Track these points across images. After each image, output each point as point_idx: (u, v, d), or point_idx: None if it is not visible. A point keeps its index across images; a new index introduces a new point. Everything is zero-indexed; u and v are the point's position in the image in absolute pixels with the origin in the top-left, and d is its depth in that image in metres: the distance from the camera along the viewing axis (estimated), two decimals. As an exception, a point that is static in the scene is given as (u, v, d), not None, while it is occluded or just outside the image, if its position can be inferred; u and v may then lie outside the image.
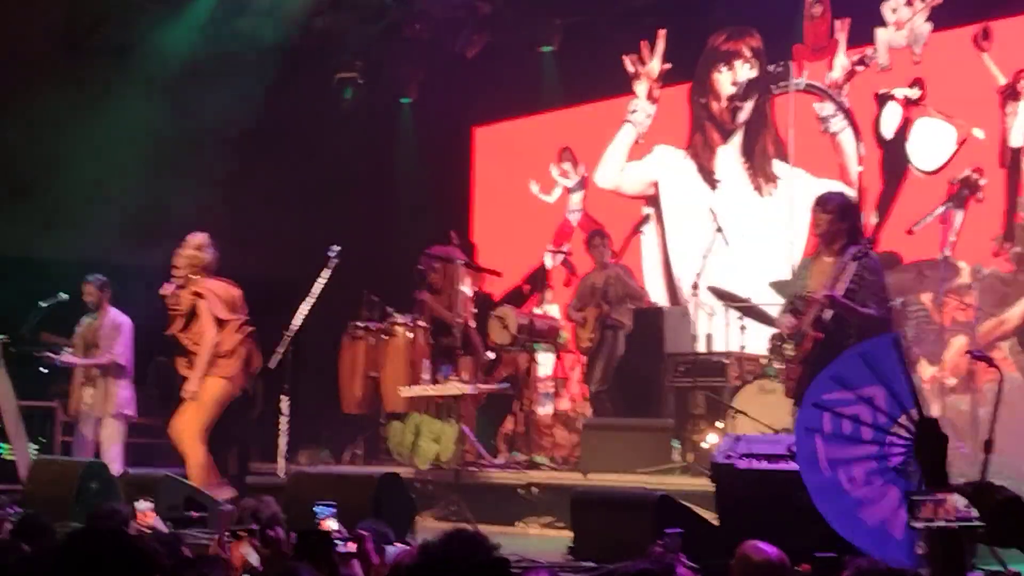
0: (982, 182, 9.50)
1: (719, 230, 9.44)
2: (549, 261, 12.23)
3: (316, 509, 5.02)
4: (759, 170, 10.92)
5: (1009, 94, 9.41)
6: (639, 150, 11.79)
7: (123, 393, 9.07)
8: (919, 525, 3.42)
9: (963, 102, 9.68)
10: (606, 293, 9.52)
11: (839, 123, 10.38)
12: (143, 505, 5.95)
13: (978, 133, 9.53)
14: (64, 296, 9.24)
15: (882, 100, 10.15)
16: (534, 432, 10.09)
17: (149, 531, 5.77)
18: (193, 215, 10.84)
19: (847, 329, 6.25)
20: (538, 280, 11.65)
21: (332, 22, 12.35)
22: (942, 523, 3.41)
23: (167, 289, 8.00)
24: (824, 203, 6.66)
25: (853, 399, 4.24)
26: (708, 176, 11.27)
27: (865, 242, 6.62)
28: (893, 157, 10.07)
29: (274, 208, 12.04)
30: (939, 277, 8.46)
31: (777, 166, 10.79)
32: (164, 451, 10.37)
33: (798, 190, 10.40)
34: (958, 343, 8.82)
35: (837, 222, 6.54)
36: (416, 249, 10.41)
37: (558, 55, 12.06)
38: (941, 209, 9.52)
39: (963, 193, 9.54)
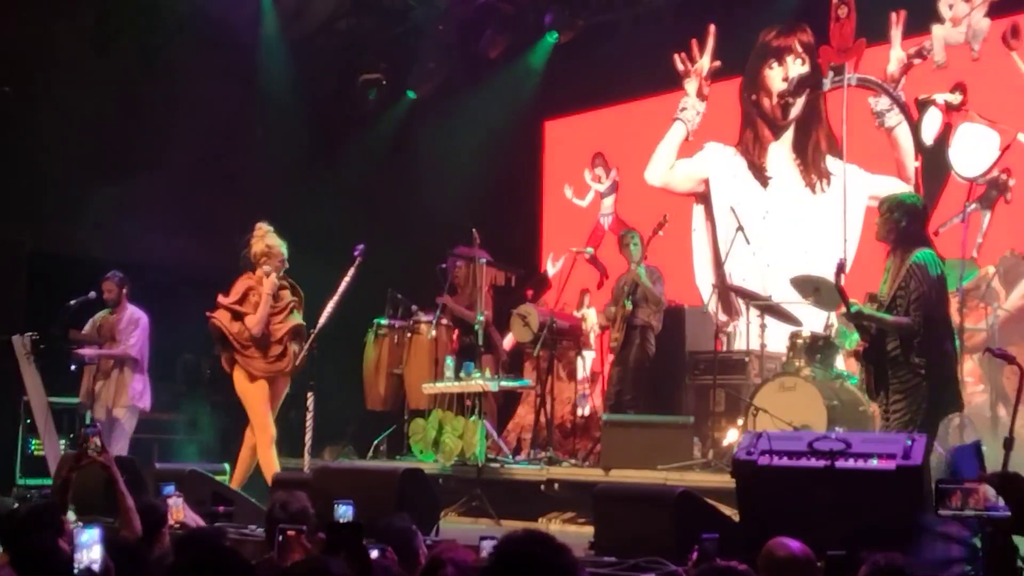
0: (1011, 183, 9.39)
1: (739, 229, 9.46)
2: (551, 267, 12.33)
3: (336, 506, 5.14)
4: (812, 166, 10.79)
5: (1041, 91, 9.22)
6: (689, 147, 11.74)
7: (136, 386, 9.25)
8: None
9: (1007, 104, 9.49)
10: (633, 292, 9.58)
11: (895, 117, 10.18)
12: (173, 500, 6.04)
13: (1023, 138, 9.35)
14: (92, 295, 9.38)
15: (922, 106, 9.98)
16: (557, 431, 10.19)
17: (179, 526, 5.87)
18: (216, 211, 11.00)
19: (886, 336, 6.40)
20: (540, 285, 11.67)
21: (355, 24, 12.46)
22: (971, 512, 3.49)
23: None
24: (880, 205, 6.67)
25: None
26: (759, 173, 11.17)
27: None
28: (934, 163, 9.89)
29: (301, 207, 12.16)
30: (959, 277, 8.43)
31: (831, 162, 10.67)
32: (189, 446, 10.54)
33: (852, 186, 10.34)
34: (978, 341, 8.78)
35: (893, 225, 6.51)
36: (440, 247, 10.49)
37: (585, 57, 12.06)
38: (969, 209, 9.47)
39: (991, 194, 9.46)
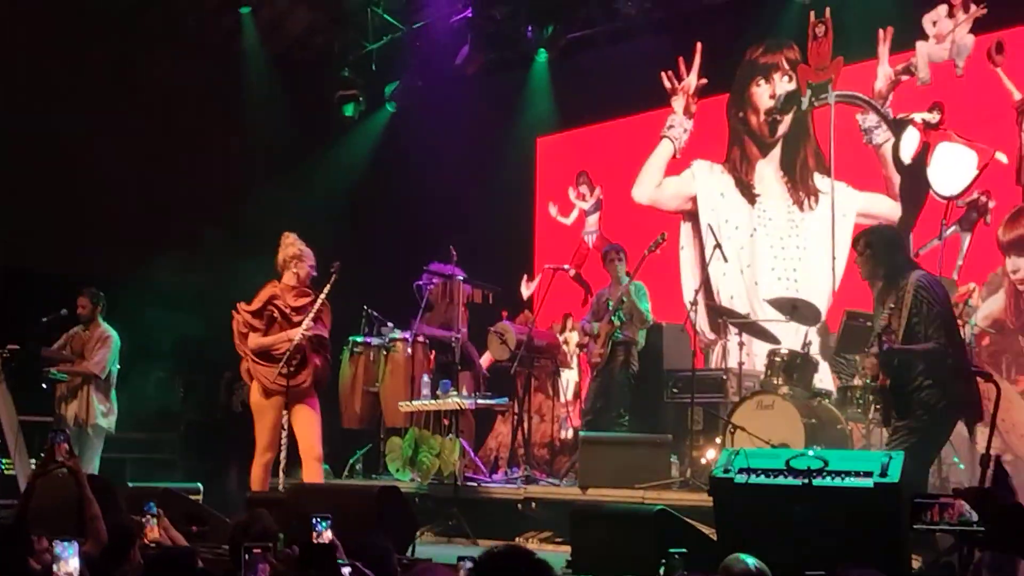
0: (991, 205, 9.42)
1: (717, 246, 9.45)
2: (525, 288, 12.31)
3: (313, 522, 5.06)
4: (800, 184, 10.81)
5: (1024, 110, 9.28)
6: (676, 165, 11.75)
7: (100, 405, 9.16)
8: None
9: (983, 123, 9.53)
10: (621, 309, 9.55)
11: (883, 134, 10.20)
12: (149, 519, 5.96)
13: (1001, 157, 9.38)
14: (64, 312, 9.29)
15: (900, 125, 10.01)
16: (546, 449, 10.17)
17: (154, 545, 5.79)
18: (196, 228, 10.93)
19: (913, 369, 6.14)
20: (516, 305, 11.63)
21: (332, 39, 12.46)
22: (947, 527, 3.47)
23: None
24: (855, 244, 6.58)
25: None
26: (747, 190, 11.18)
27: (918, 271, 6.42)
28: (913, 182, 9.91)
29: (276, 224, 12.10)
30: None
31: (819, 180, 10.68)
32: (162, 465, 10.44)
33: (840, 204, 10.36)
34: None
35: (873, 260, 6.43)
36: (417, 265, 10.46)
37: (570, 73, 12.07)
38: (949, 232, 9.51)
39: (971, 216, 9.49)
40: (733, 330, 9.19)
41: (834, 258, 10.20)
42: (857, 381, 8.12)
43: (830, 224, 10.36)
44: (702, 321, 10.61)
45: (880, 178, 10.23)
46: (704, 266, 10.87)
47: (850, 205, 10.35)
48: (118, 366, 9.42)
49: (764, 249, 10.92)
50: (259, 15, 12.50)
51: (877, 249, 6.42)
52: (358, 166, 13.28)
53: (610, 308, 9.41)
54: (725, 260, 9.75)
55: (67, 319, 9.36)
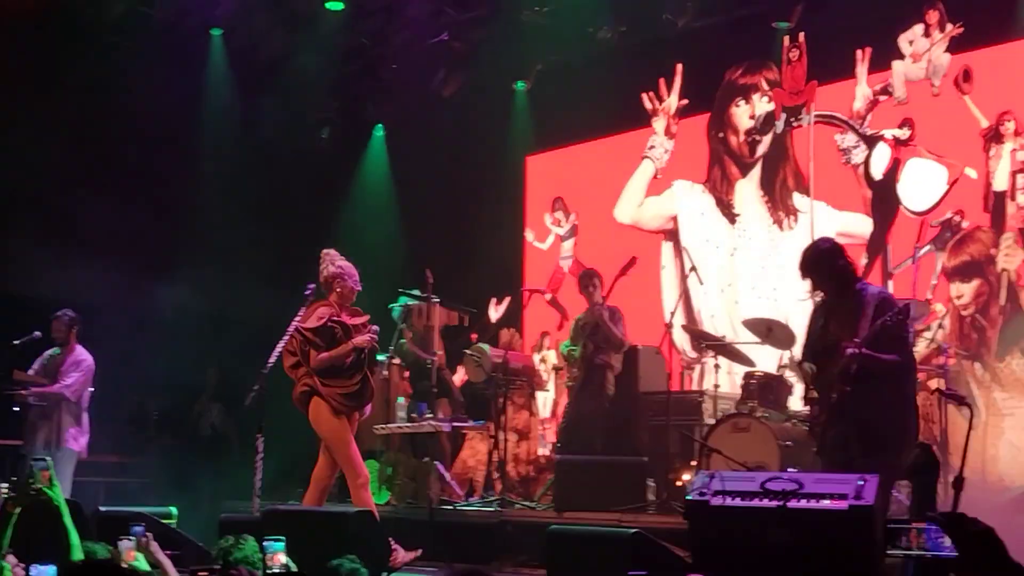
0: (964, 224, 9.49)
1: (692, 269, 9.47)
2: (493, 311, 12.29)
3: (265, 544, 5.00)
4: (779, 203, 10.87)
5: (992, 137, 9.37)
6: (658, 185, 11.81)
7: (71, 429, 9.09)
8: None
9: (954, 142, 9.62)
10: (594, 333, 9.57)
11: (861, 154, 10.26)
12: (126, 544, 5.90)
13: (971, 173, 9.46)
14: (38, 334, 9.23)
15: (871, 141, 10.10)
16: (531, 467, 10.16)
17: (128, 567, 5.73)
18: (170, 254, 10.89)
19: (872, 379, 6.13)
20: (485, 329, 11.62)
21: (307, 61, 12.45)
22: (919, 552, 3.48)
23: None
24: (800, 270, 6.59)
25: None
26: (727, 210, 11.23)
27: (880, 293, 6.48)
28: (883, 198, 10.01)
29: (252, 245, 12.10)
30: (914, 319, 8.48)
31: (798, 199, 10.74)
32: (135, 489, 10.37)
33: (820, 223, 10.40)
34: (931, 384, 8.82)
35: (820, 278, 6.48)
36: (392, 288, 10.43)
37: (537, 97, 12.11)
38: (922, 252, 9.56)
39: (944, 236, 9.56)
40: (709, 352, 9.20)
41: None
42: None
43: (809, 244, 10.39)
44: (683, 340, 10.62)
45: (858, 197, 10.29)
46: (686, 285, 10.89)
47: (829, 224, 10.40)
48: (91, 388, 9.35)
49: (744, 268, 10.97)
50: (233, 37, 12.48)
51: (818, 264, 6.45)
52: (332, 188, 13.27)
53: (584, 334, 9.44)
54: (700, 282, 9.78)
55: (42, 342, 9.29)
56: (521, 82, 12.11)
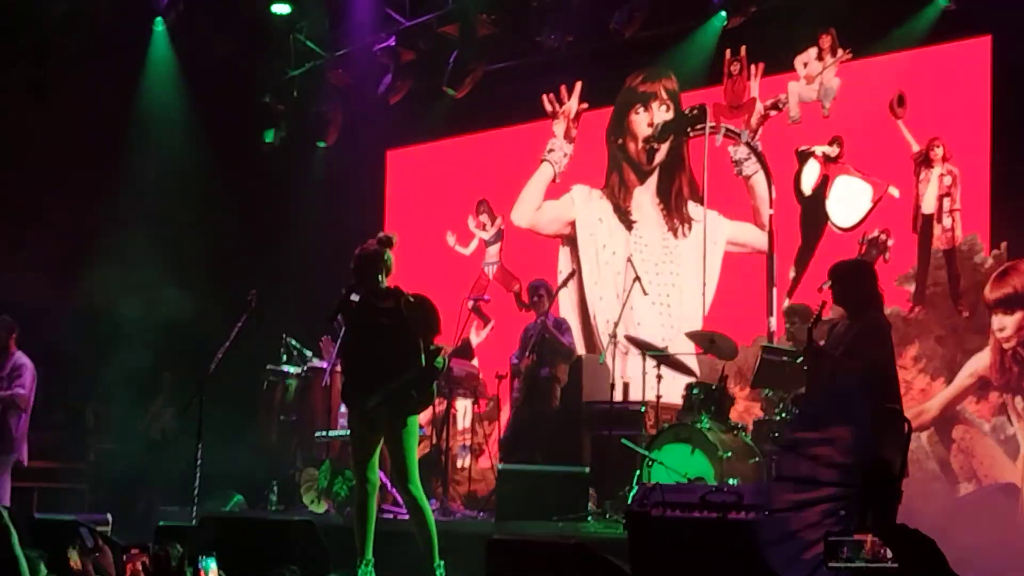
0: (890, 243, 9.62)
1: (637, 279, 9.51)
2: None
3: (200, 558, 4.94)
4: (675, 211, 10.96)
5: (922, 161, 9.49)
6: (556, 189, 11.82)
7: (16, 435, 8.97)
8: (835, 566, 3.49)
9: (881, 161, 9.76)
10: (540, 345, 9.59)
11: (752, 166, 10.44)
12: (73, 553, 5.81)
13: (894, 191, 9.61)
14: None
15: (802, 157, 10.22)
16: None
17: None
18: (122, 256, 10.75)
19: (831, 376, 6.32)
20: (465, 353, 11.56)
21: (254, 66, 12.36)
22: (860, 565, 3.50)
23: None
24: (829, 275, 6.65)
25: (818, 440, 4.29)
26: (624, 216, 11.29)
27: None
28: (812, 213, 10.12)
29: (193, 248, 11.99)
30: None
31: (692, 208, 10.86)
32: (69, 495, 10.23)
33: (712, 232, 10.59)
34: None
35: (843, 291, 6.56)
36: (335, 292, 10.36)
37: (475, 104, 12.04)
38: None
39: (871, 253, 9.68)
40: (652, 361, 9.21)
41: (704, 284, 10.41)
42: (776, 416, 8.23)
43: (702, 251, 10.57)
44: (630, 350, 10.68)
45: (748, 208, 10.49)
46: (582, 290, 11.24)
47: (721, 233, 10.61)
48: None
49: (640, 275, 10.97)
50: (178, 38, 12.37)
51: (845, 279, 6.56)
52: (278, 193, 13.17)
53: (531, 345, 9.45)
54: (644, 293, 9.80)
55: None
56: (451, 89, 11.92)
